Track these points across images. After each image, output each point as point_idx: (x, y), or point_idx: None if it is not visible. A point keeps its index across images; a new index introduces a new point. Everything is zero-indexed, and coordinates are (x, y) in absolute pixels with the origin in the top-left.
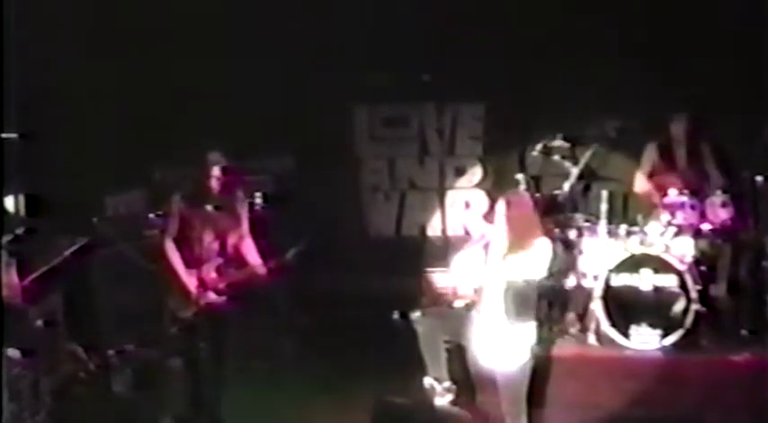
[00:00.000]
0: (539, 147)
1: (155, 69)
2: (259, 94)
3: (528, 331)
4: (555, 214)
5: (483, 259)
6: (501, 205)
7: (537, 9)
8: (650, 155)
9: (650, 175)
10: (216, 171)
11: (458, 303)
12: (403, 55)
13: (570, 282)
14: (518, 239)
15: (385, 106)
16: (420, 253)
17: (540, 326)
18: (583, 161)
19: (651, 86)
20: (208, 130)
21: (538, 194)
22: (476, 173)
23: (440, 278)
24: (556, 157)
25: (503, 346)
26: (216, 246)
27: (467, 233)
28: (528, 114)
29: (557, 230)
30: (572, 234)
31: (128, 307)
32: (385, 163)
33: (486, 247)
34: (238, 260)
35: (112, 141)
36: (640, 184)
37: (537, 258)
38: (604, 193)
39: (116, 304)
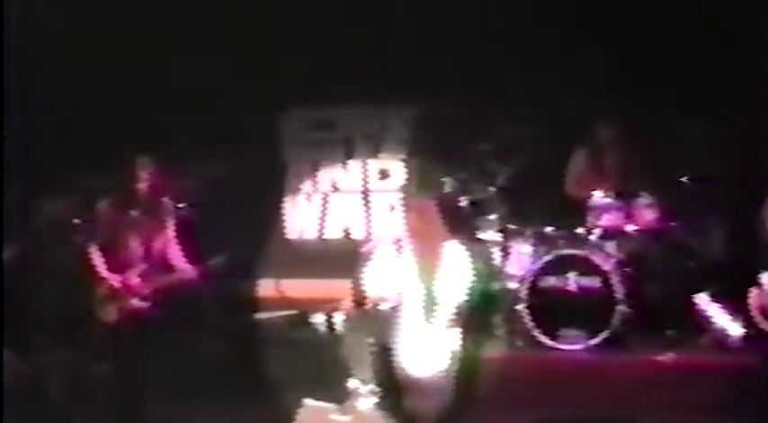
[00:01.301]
0: (466, 150)
1: (82, 74)
2: (187, 98)
3: (452, 334)
4: (471, 219)
5: (398, 264)
6: (404, 212)
7: (463, 12)
8: (578, 158)
9: (577, 178)
10: (144, 176)
11: (382, 306)
12: (331, 58)
13: (497, 284)
14: (424, 246)
15: (312, 110)
16: (344, 256)
17: (466, 329)
18: (509, 164)
19: (579, 89)
20: (136, 135)
21: (462, 198)
22: (401, 176)
23: (363, 281)
24: (483, 160)
25: (427, 349)
26: (141, 251)
27: (387, 236)
28: (455, 118)
29: (482, 234)
30: (498, 236)
31: (58, 313)
32: (309, 166)
33: (399, 251)
34: (164, 265)
35: (42, 146)
36: (569, 185)
37: (447, 263)
38: (531, 196)
39: (47, 310)
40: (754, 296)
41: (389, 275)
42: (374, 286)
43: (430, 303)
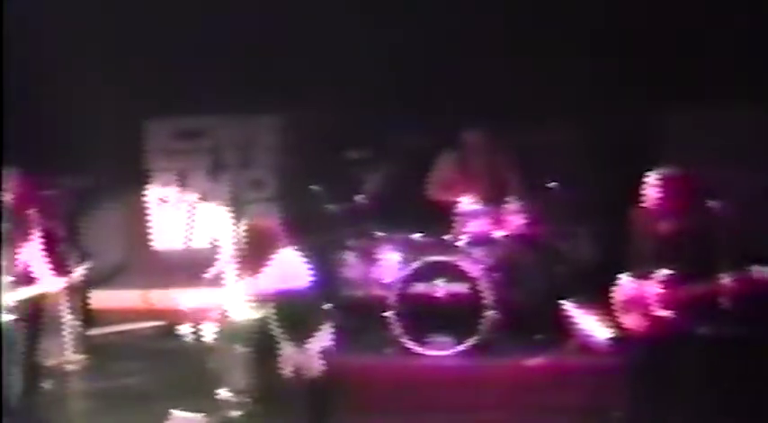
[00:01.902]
0: (335, 158)
1: None
2: (53, 107)
3: (316, 341)
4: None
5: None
6: (242, 227)
7: (328, 18)
8: (445, 163)
9: (444, 184)
10: (10, 187)
11: (248, 315)
12: (199, 67)
13: (365, 291)
14: (258, 256)
15: (178, 119)
16: (211, 266)
17: (331, 335)
18: (377, 171)
19: (445, 96)
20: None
21: (331, 206)
22: (271, 185)
23: (229, 291)
24: (351, 169)
25: (295, 357)
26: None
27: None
28: (324, 127)
29: (352, 241)
30: (367, 244)
31: None
32: (176, 176)
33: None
34: (29, 277)
35: None
36: (436, 192)
37: (286, 271)
38: (398, 203)
39: None
40: (616, 297)
41: (242, 287)
42: (236, 296)
43: (284, 313)
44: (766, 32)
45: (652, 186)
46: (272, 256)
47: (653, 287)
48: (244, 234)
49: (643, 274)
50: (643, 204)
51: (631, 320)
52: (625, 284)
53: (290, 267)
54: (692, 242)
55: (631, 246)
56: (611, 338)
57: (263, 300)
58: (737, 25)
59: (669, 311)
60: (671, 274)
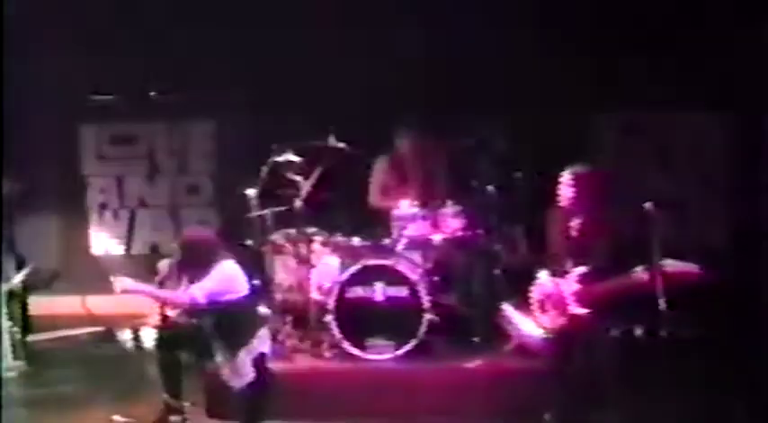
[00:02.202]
0: (270, 162)
1: None
2: None
3: (253, 346)
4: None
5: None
6: (182, 236)
7: (264, 26)
8: (381, 167)
9: (382, 188)
10: None
11: (189, 321)
12: (131, 73)
13: (303, 296)
14: (199, 265)
15: (112, 125)
16: (151, 272)
17: (273, 341)
18: (314, 175)
19: (380, 100)
20: None
21: (266, 211)
22: (208, 190)
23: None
24: (287, 173)
25: (233, 364)
26: None
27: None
28: (258, 130)
29: (288, 245)
30: (304, 248)
31: None
32: (113, 181)
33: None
34: None
35: None
36: (373, 196)
37: (224, 282)
38: (338, 207)
39: None
40: (534, 295)
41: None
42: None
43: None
44: (680, 34)
45: (565, 185)
46: (210, 267)
47: (569, 285)
48: (180, 245)
49: (560, 272)
50: (558, 203)
51: (549, 319)
52: (543, 283)
53: (228, 279)
54: (604, 239)
55: (548, 244)
56: (547, 339)
57: (200, 309)
58: (652, 27)
59: (585, 309)
60: (585, 272)
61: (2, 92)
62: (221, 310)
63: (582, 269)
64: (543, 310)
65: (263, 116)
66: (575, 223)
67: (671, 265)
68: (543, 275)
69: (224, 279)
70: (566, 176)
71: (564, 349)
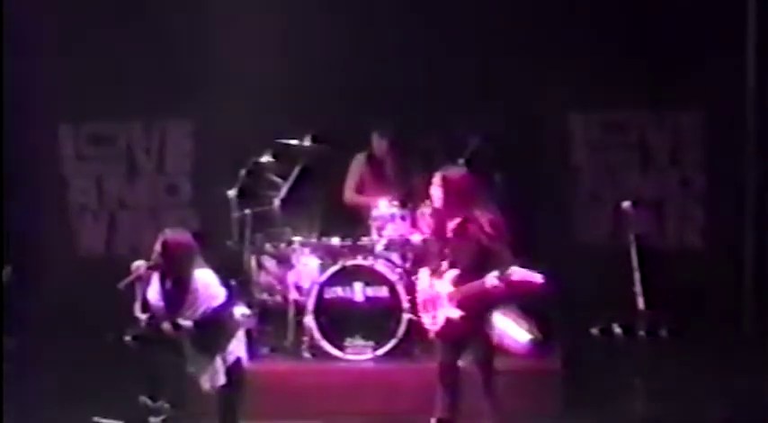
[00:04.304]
0: (248, 163)
1: None
2: None
3: (233, 347)
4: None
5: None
6: (160, 242)
7: (242, 25)
8: (358, 167)
9: (359, 188)
10: None
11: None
12: (108, 73)
13: (282, 296)
14: (177, 273)
15: (90, 124)
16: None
17: (252, 342)
18: (293, 176)
19: (356, 98)
20: None
21: (248, 211)
22: (187, 191)
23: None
24: (266, 173)
25: (209, 365)
26: None
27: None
28: (236, 130)
29: (268, 245)
30: (283, 248)
31: None
32: (93, 182)
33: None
34: None
35: None
36: (348, 192)
37: (203, 289)
38: (316, 207)
39: None
40: (417, 296)
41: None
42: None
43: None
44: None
45: (435, 185)
46: (188, 271)
47: (444, 286)
48: (160, 249)
49: (437, 274)
50: (433, 204)
51: (429, 319)
52: (422, 283)
53: (207, 295)
54: (469, 242)
55: (427, 245)
56: (531, 341)
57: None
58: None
59: (458, 310)
60: (457, 274)
61: (2, 92)
62: (199, 317)
63: (454, 271)
64: (425, 309)
65: (242, 116)
66: (450, 224)
67: (517, 272)
68: (423, 275)
69: (204, 297)
70: (435, 177)
71: (446, 350)
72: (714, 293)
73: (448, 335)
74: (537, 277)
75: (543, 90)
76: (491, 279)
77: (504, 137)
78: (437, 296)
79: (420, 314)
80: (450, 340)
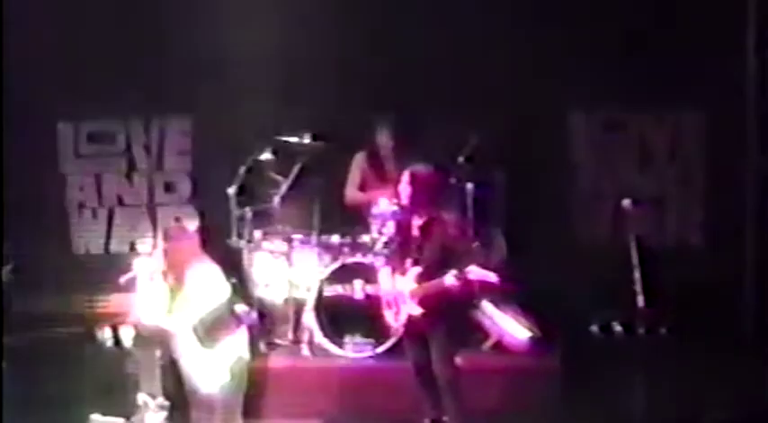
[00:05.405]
0: (248, 160)
1: None
2: None
3: (232, 344)
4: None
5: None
6: (161, 239)
7: (238, 23)
8: (359, 165)
9: (361, 185)
10: None
11: (166, 320)
12: (107, 71)
13: (282, 294)
14: (179, 270)
15: (89, 123)
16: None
17: (251, 339)
18: (293, 173)
19: (356, 97)
20: None
21: (247, 208)
22: (186, 188)
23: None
24: (266, 171)
25: (210, 363)
26: None
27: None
28: (236, 128)
29: (266, 243)
30: (283, 246)
31: None
32: (92, 179)
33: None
34: None
35: None
36: (351, 194)
37: (204, 286)
38: (316, 205)
39: None
40: (380, 293)
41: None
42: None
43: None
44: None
45: (403, 183)
46: (189, 269)
47: (407, 283)
48: (164, 245)
49: (400, 270)
50: (400, 202)
51: (392, 316)
52: (383, 280)
53: (208, 284)
54: (433, 242)
55: (393, 242)
56: (529, 338)
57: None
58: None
59: (419, 308)
60: (420, 271)
61: (2, 91)
62: (199, 314)
63: (418, 269)
64: (388, 306)
65: (241, 114)
66: (415, 222)
67: (474, 272)
68: (383, 273)
69: (205, 293)
70: (404, 175)
71: (414, 349)
72: (714, 292)
73: (412, 332)
74: (492, 277)
75: (543, 89)
76: (449, 278)
77: (505, 136)
78: (400, 293)
79: (383, 311)
80: (414, 338)
